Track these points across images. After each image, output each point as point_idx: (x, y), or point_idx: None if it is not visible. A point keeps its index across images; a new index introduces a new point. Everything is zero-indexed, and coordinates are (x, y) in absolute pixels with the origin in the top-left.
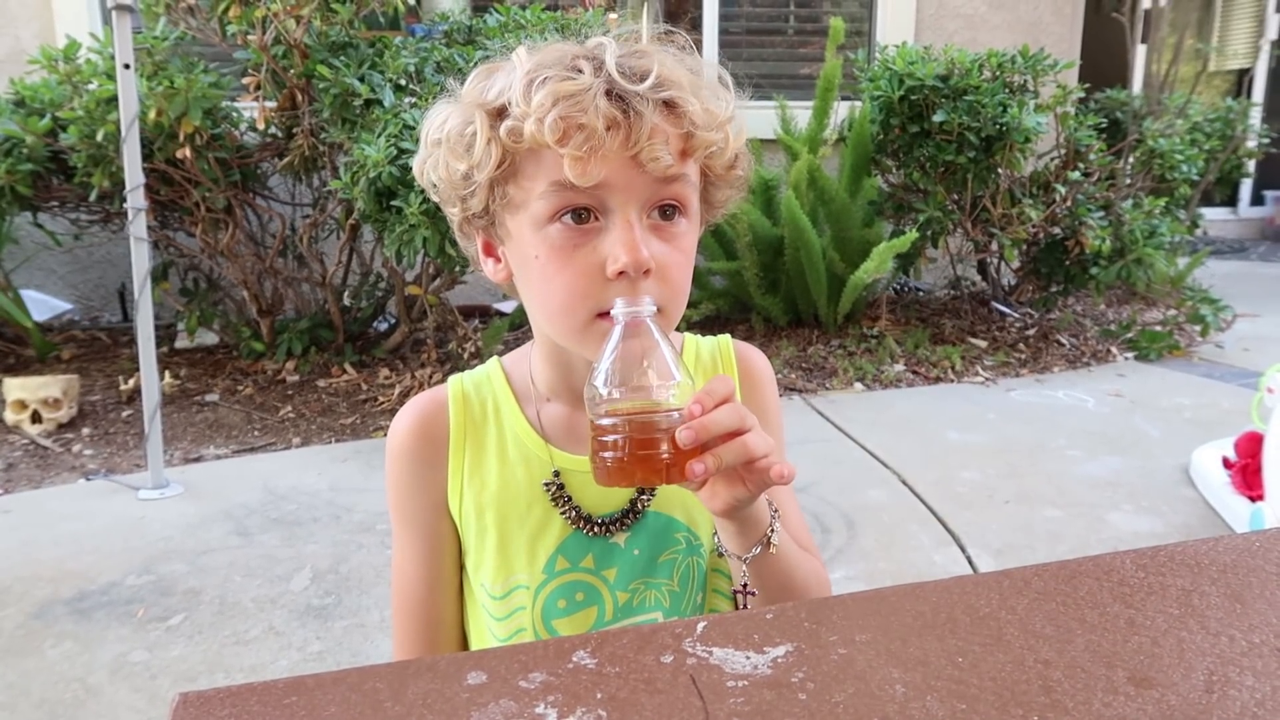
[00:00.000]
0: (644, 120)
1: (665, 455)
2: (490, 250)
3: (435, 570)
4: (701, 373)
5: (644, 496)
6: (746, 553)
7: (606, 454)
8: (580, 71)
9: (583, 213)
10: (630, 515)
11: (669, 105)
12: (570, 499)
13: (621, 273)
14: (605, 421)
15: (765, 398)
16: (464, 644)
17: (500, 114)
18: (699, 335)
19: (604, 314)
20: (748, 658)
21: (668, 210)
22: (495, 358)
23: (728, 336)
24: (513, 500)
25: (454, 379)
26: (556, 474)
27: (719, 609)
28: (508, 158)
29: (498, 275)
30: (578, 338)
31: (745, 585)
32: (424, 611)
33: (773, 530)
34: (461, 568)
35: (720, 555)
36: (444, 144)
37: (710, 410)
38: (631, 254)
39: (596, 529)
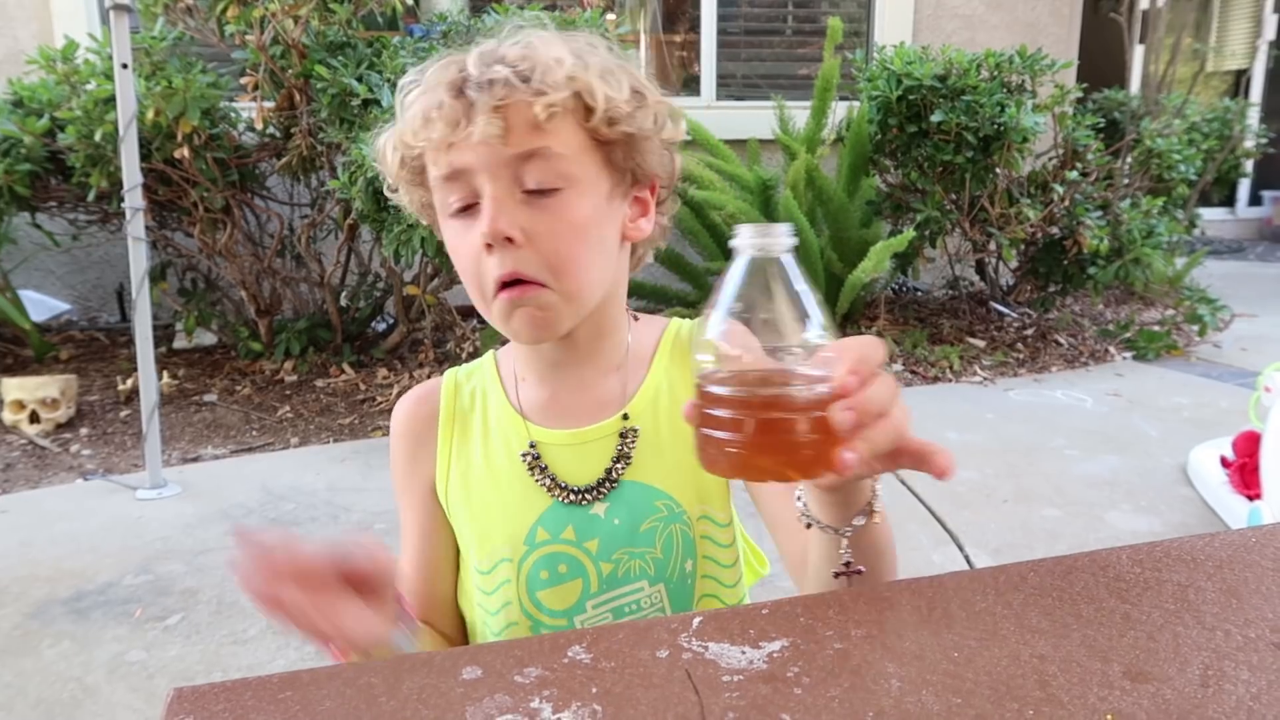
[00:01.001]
0: (480, 104)
1: (806, 441)
2: None
3: (429, 546)
4: (683, 359)
5: (619, 465)
6: (846, 525)
7: (722, 435)
8: (443, 75)
9: (467, 207)
10: (606, 484)
11: (512, 81)
12: (546, 468)
13: (489, 245)
14: (720, 391)
15: None
16: (461, 623)
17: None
18: (680, 319)
19: (500, 289)
20: (743, 652)
21: (542, 183)
22: (492, 350)
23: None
24: (494, 476)
25: (449, 372)
26: (533, 445)
27: (714, 576)
28: (406, 162)
29: None
30: (490, 318)
31: (849, 564)
32: (417, 586)
33: (874, 494)
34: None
35: (809, 526)
36: (379, 162)
37: (868, 382)
38: (490, 224)
39: (573, 497)
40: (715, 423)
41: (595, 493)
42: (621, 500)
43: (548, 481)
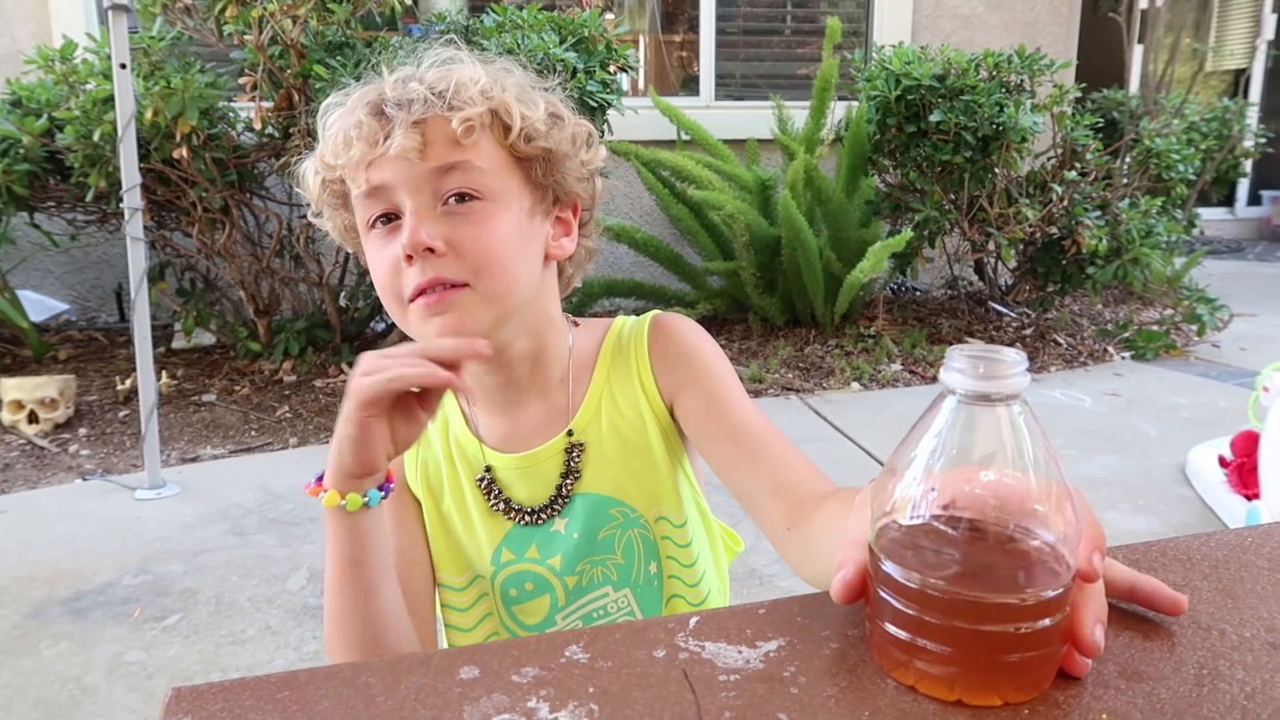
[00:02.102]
0: (397, 121)
1: (1035, 658)
2: None
3: (398, 546)
4: (621, 365)
5: (567, 481)
6: None
7: (921, 644)
8: (364, 94)
9: (387, 217)
10: (559, 501)
11: (429, 99)
12: (500, 492)
13: (409, 257)
14: (915, 586)
15: (700, 363)
16: (429, 625)
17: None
18: (625, 318)
19: (411, 299)
20: (740, 652)
21: (463, 197)
22: None
23: (653, 313)
24: (459, 498)
25: None
26: (488, 469)
27: (678, 575)
28: (328, 187)
29: None
30: (404, 324)
31: None
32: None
33: None
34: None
35: None
36: (301, 186)
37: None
38: (410, 236)
39: (529, 518)
40: (906, 622)
41: (549, 510)
42: (577, 513)
43: (502, 505)
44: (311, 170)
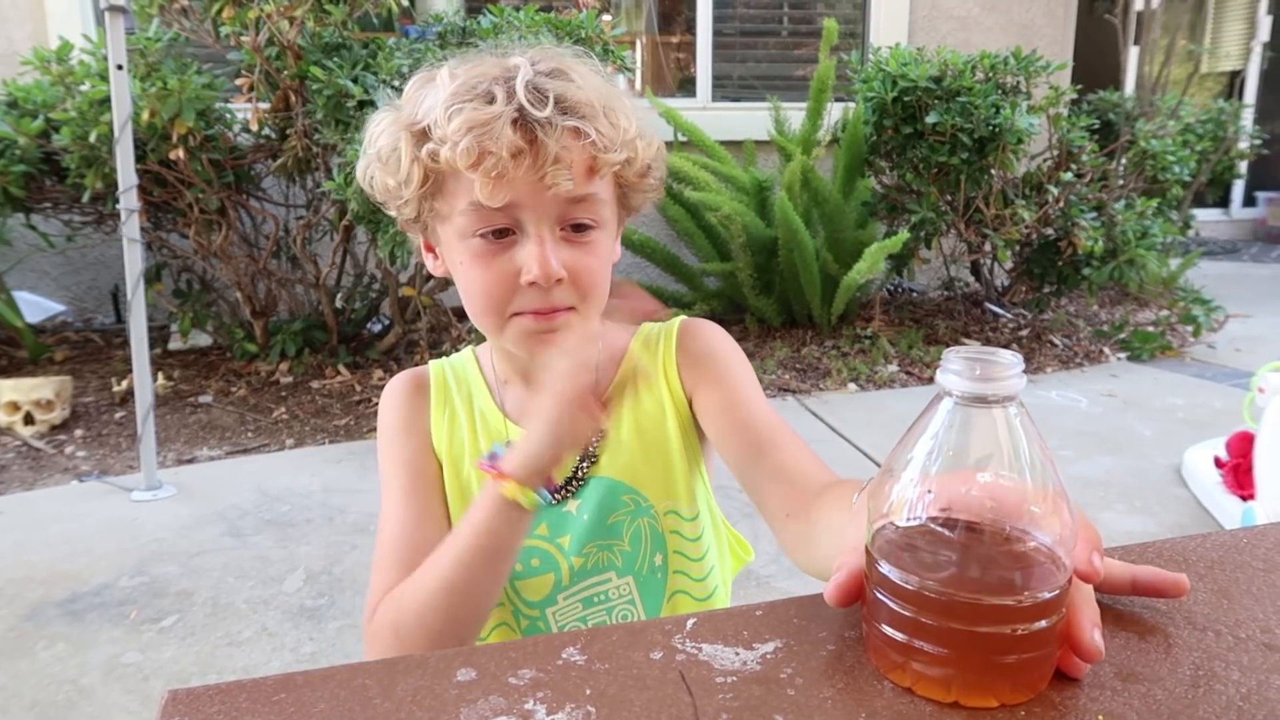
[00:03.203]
0: (547, 148)
1: (1031, 659)
2: (430, 248)
3: (423, 508)
4: (648, 360)
5: (584, 464)
6: None
7: (918, 645)
8: (493, 99)
9: (500, 231)
10: (574, 481)
11: (574, 131)
12: None
13: (533, 282)
14: (912, 587)
15: (723, 363)
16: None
17: (424, 135)
18: (652, 323)
19: (517, 314)
20: (737, 654)
21: (579, 226)
22: (470, 346)
23: (678, 320)
24: (477, 473)
25: (434, 364)
26: (508, 443)
27: (684, 570)
28: (430, 176)
29: (437, 270)
30: (497, 334)
31: None
32: (411, 554)
33: None
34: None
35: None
36: (376, 159)
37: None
38: (542, 267)
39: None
40: (902, 624)
41: (564, 490)
42: (590, 496)
43: None
44: (405, 145)
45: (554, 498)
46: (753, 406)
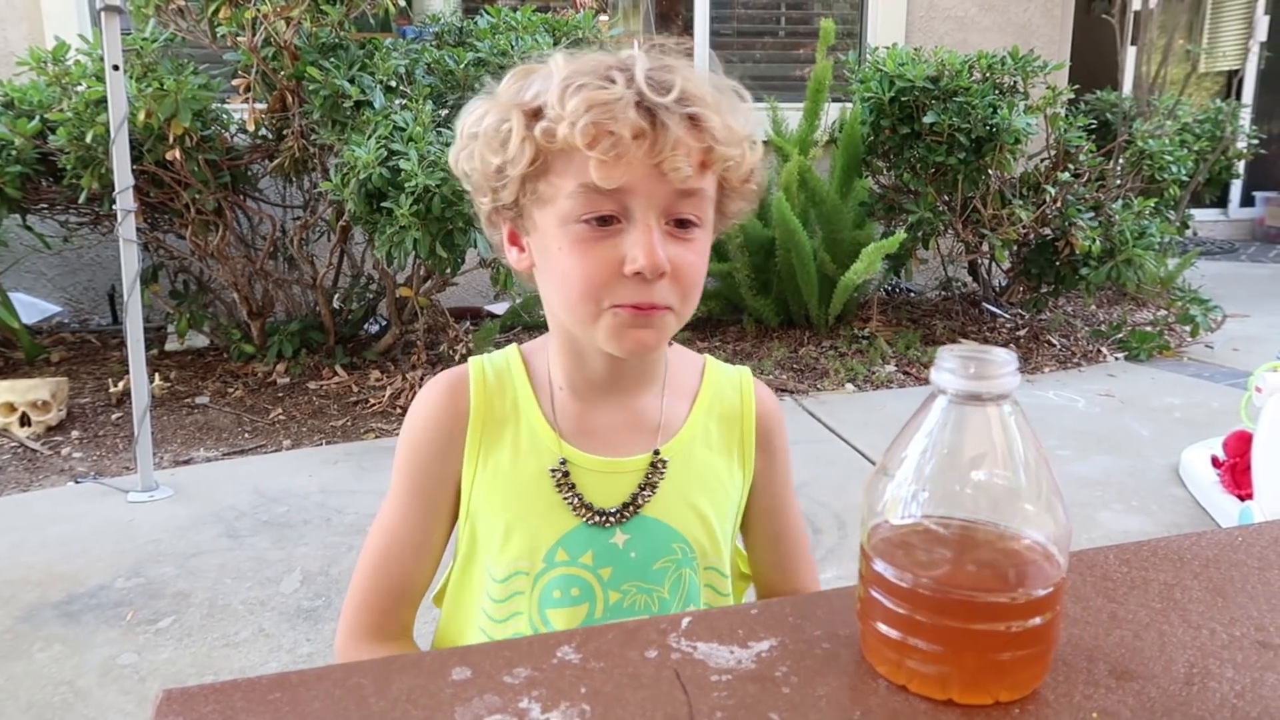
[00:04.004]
0: (669, 132)
1: (1025, 656)
2: (515, 239)
3: (423, 536)
4: (724, 415)
5: (644, 492)
6: None
7: (913, 643)
8: (613, 82)
9: (605, 219)
10: (631, 508)
11: (693, 120)
12: (574, 487)
13: (638, 273)
14: (908, 586)
15: (781, 446)
16: (410, 614)
17: (536, 115)
18: (715, 359)
19: (617, 306)
20: (731, 652)
21: (684, 222)
22: (514, 345)
23: (748, 372)
24: (522, 487)
25: (475, 363)
26: (563, 462)
27: None
28: (540, 156)
29: (520, 264)
30: (590, 325)
31: None
32: (399, 571)
33: None
34: (456, 552)
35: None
36: (480, 138)
37: None
38: (649, 257)
39: (598, 519)
40: (899, 623)
41: (619, 516)
42: (641, 534)
43: (575, 500)
44: (517, 122)
45: (606, 520)
46: (790, 495)
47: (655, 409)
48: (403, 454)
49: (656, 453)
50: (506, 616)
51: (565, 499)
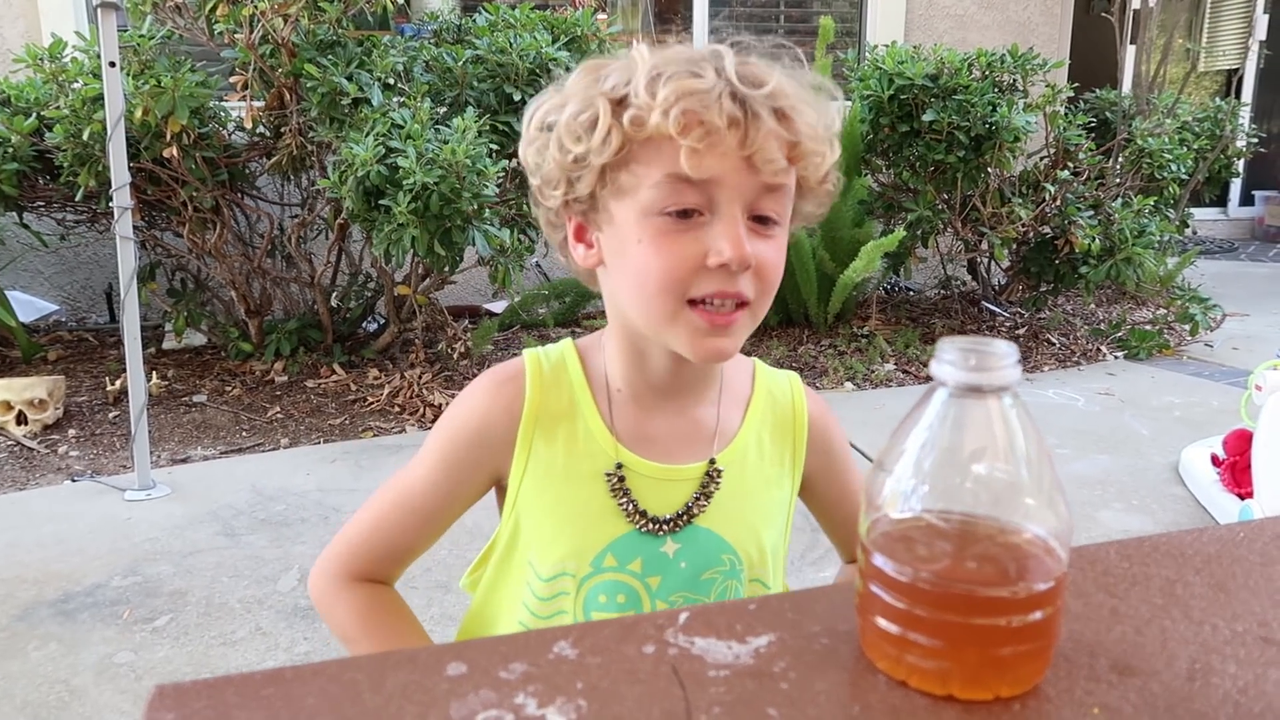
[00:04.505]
0: (761, 123)
1: (1028, 651)
2: (582, 235)
3: (441, 509)
4: (776, 424)
5: (700, 501)
6: None
7: (914, 639)
8: (703, 74)
9: (686, 212)
10: (684, 518)
11: (782, 114)
12: (629, 492)
13: (723, 265)
14: (907, 581)
15: (839, 443)
16: (397, 572)
17: (622, 103)
18: (763, 363)
19: (693, 301)
20: (729, 647)
21: (765, 219)
22: (570, 340)
23: (797, 378)
24: (574, 489)
25: (531, 356)
26: (619, 466)
27: None
28: (625, 145)
29: (586, 261)
30: (666, 323)
31: None
32: (403, 530)
33: None
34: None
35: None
36: (559, 127)
37: None
38: (736, 249)
39: (652, 526)
40: (899, 618)
41: (673, 524)
42: (692, 544)
43: (630, 506)
44: (604, 110)
45: (660, 528)
46: (856, 476)
47: (711, 417)
48: (444, 431)
49: (712, 461)
50: (551, 614)
51: (620, 504)
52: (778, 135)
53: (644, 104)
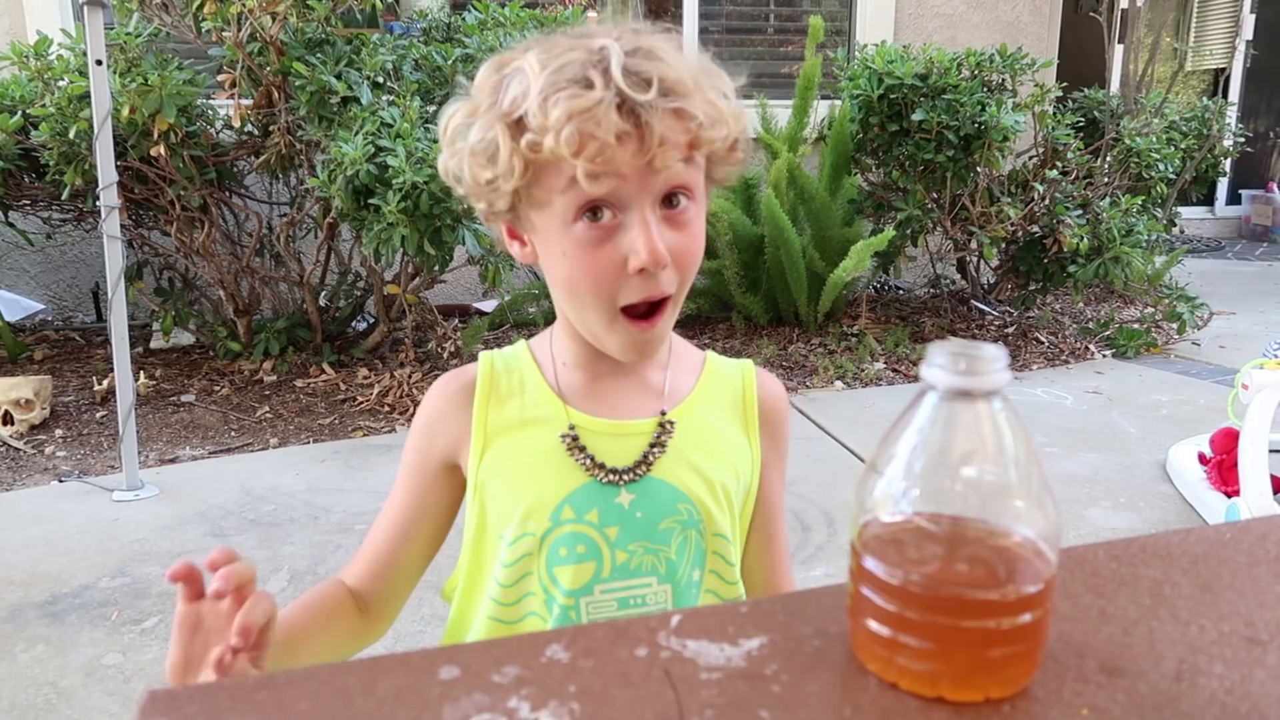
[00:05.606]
0: (653, 131)
1: (1017, 653)
2: (514, 235)
3: (414, 514)
4: (729, 398)
5: (654, 450)
6: None
7: (904, 641)
8: (591, 84)
9: (600, 210)
10: (641, 467)
11: (676, 111)
12: (585, 449)
13: (641, 269)
14: (897, 583)
15: (784, 435)
16: (400, 601)
17: (519, 125)
18: (716, 354)
19: (625, 308)
20: (721, 650)
21: (675, 199)
22: (523, 340)
23: (750, 364)
24: (529, 455)
25: (484, 355)
26: (572, 427)
27: (715, 590)
28: (529, 166)
29: (524, 257)
30: (603, 329)
31: None
32: (384, 543)
33: None
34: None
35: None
36: (467, 151)
37: None
38: (650, 252)
39: (611, 477)
40: (890, 620)
41: (631, 474)
42: (647, 494)
43: (587, 461)
44: (503, 137)
45: (619, 478)
46: (780, 497)
47: (660, 379)
48: (409, 437)
49: (663, 413)
50: (517, 578)
51: (578, 460)
52: (673, 135)
53: (538, 127)
